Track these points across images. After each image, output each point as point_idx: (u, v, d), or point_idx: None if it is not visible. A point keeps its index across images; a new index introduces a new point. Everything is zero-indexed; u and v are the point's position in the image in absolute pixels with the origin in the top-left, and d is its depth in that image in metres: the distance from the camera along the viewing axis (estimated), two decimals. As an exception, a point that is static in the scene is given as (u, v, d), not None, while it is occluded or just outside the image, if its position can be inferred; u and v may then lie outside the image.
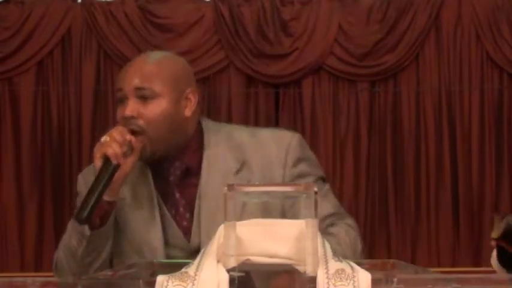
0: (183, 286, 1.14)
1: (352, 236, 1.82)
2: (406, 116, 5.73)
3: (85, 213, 1.62)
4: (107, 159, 1.68)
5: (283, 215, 1.67)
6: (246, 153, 1.80)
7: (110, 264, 1.79)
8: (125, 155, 1.69)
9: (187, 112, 1.79)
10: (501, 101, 5.73)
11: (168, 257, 1.76)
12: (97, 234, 1.71)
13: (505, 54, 5.66)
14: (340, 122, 5.75)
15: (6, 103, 5.65)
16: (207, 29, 5.70)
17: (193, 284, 1.14)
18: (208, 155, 1.79)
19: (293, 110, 5.78)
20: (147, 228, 1.78)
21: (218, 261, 1.17)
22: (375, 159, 5.71)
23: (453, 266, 5.57)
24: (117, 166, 1.68)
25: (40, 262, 5.57)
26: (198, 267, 1.17)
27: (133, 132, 1.74)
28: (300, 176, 1.80)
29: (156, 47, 5.57)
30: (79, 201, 1.78)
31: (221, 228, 1.20)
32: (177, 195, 1.80)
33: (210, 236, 1.23)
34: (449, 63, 5.75)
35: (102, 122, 5.63)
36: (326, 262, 1.16)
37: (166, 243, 1.78)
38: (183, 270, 1.17)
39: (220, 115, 5.64)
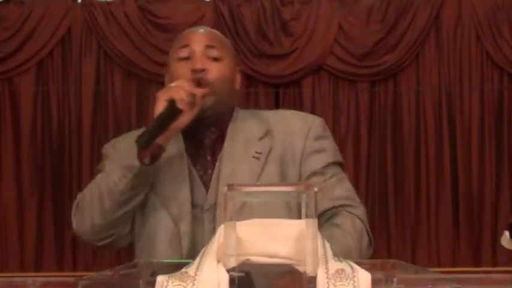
0: (183, 286, 1.14)
1: (359, 228, 1.88)
2: (406, 116, 5.73)
3: (145, 138, 1.70)
4: (172, 103, 1.74)
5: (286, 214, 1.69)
6: (270, 124, 1.89)
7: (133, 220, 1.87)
8: (189, 105, 1.75)
9: (236, 85, 1.94)
10: (501, 101, 5.73)
11: (191, 215, 1.82)
12: (143, 171, 1.76)
13: (505, 54, 5.66)
14: (340, 122, 5.75)
15: (6, 103, 5.65)
16: (207, 29, 5.69)
17: (193, 284, 1.14)
18: (234, 124, 1.90)
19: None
20: (177, 185, 1.83)
21: (218, 261, 1.18)
22: (374, 159, 5.71)
23: (453, 266, 5.57)
24: (180, 112, 1.74)
25: (40, 262, 5.57)
26: (198, 267, 1.17)
27: (199, 84, 1.81)
28: (319, 150, 1.88)
29: (156, 47, 5.58)
30: (104, 164, 1.90)
31: (221, 228, 1.20)
32: (209, 157, 1.87)
33: None
34: (449, 63, 5.75)
35: (102, 122, 5.63)
36: (326, 262, 1.16)
37: (192, 201, 1.84)
38: (183, 270, 1.17)
39: (220, 115, 5.63)
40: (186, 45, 1.87)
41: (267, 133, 1.87)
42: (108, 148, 1.98)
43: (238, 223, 1.18)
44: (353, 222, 1.87)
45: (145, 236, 1.85)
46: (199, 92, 1.79)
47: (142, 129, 1.79)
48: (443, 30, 5.75)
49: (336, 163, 1.94)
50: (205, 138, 1.88)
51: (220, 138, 1.89)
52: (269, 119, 1.91)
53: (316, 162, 1.87)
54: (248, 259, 1.19)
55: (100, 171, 1.90)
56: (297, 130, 1.88)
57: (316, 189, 1.19)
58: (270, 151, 1.84)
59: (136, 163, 1.76)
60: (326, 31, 5.73)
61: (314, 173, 1.87)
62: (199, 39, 1.87)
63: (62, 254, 5.57)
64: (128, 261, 1.74)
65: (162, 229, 1.82)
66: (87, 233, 1.84)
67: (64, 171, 5.60)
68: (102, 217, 1.80)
